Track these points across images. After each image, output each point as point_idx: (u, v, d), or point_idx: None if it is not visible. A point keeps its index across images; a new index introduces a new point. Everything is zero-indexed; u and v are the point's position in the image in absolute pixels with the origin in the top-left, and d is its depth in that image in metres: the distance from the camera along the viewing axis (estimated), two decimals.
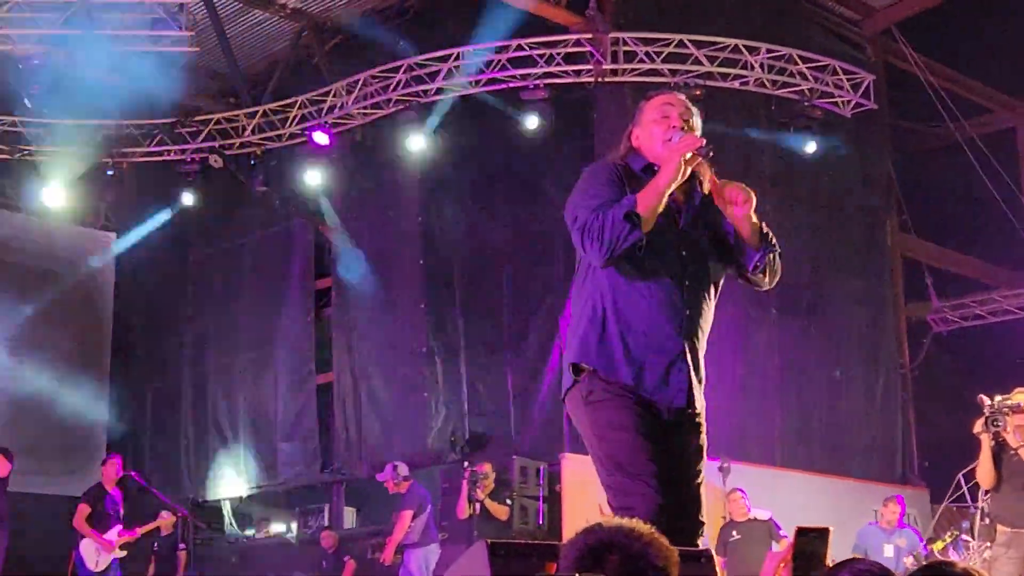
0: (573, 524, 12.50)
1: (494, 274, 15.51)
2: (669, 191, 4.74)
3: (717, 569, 4.28)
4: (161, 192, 18.03)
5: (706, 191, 4.96)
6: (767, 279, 4.97)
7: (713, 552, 4.50)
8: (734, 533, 13.10)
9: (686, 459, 4.91)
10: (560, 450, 13.68)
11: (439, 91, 15.23)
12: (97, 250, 19.56)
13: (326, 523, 16.68)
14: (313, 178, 16.38)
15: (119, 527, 13.77)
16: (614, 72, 14.59)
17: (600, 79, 14.66)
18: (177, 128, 16.78)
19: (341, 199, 17.33)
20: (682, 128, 4.94)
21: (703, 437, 5.00)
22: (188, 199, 17.08)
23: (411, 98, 15.34)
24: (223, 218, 18.78)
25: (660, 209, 4.71)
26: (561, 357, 14.06)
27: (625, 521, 2.76)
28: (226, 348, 18.62)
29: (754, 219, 4.82)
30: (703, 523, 4.92)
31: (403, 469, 13.69)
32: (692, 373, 4.89)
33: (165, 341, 19.58)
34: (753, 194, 4.78)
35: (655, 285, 4.83)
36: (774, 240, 4.84)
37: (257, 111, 16.45)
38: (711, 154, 4.81)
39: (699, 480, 4.95)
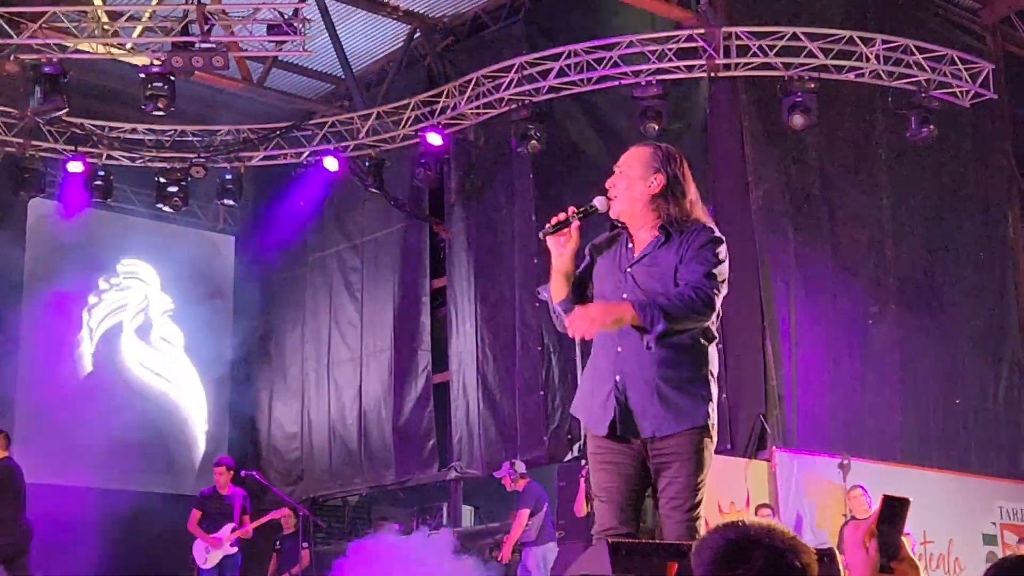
0: None
1: None
2: (556, 275, 5.14)
3: (841, 568, 4.25)
4: (278, 195, 18.28)
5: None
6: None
7: (836, 550, 4.47)
8: None
9: (627, 482, 5.06)
10: None
11: (551, 89, 15.23)
12: (217, 253, 19.92)
13: (444, 521, 16.79)
14: (427, 179, 16.49)
15: (230, 525, 14.03)
16: (727, 67, 14.49)
17: (713, 74, 14.57)
18: (293, 132, 16.99)
19: (455, 199, 17.44)
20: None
21: (651, 462, 5.08)
22: (303, 201, 17.30)
23: (523, 97, 15.36)
24: (339, 219, 19.00)
25: (559, 286, 5.13)
26: None
27: (765, 520, 2.75)
28: (343, 349, 18.80)
29: (613, 317, 4.94)
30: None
31: (520, 466, 13.74)
32: (627, 404, 5.03)
33: (284, 341, 19.83)
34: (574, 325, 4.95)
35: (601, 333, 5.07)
36: (657, 320, 4.87)
37: (371, 113, 16.60)
38: (585, 213, 5.17)
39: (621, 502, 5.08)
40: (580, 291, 5.21)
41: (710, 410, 5.08)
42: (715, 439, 5.15)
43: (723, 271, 5.02)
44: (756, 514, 13.00)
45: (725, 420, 14.26)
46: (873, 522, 2.77)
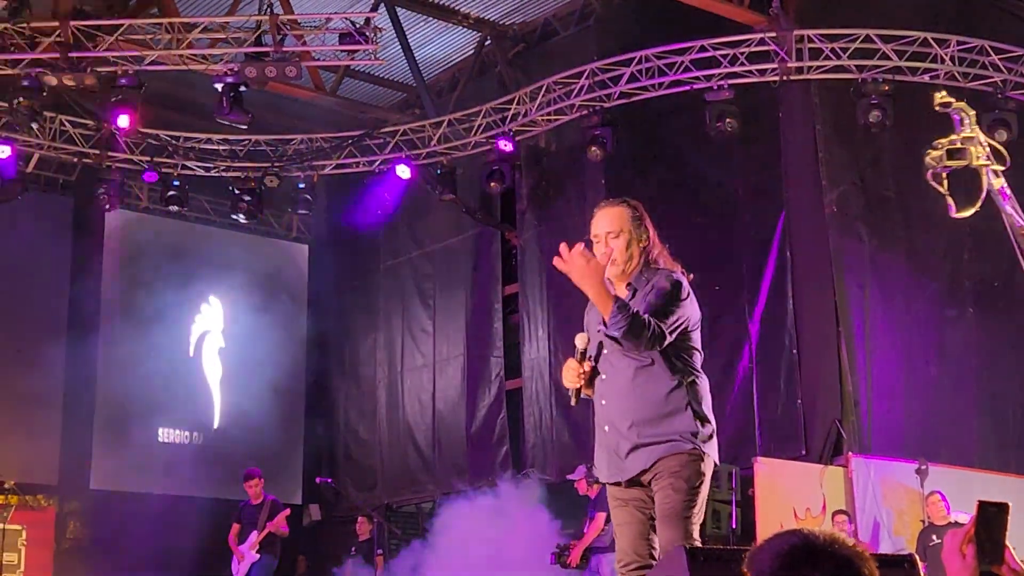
0: (767, 528, 12.38)
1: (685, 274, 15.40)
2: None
3: (921, 574, 4.22)
4: (351, 203, 18.40)
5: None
6: (624, 346, 5.31)
7: (916, 557, 4.44)
8: (934, 537, 12.77)
9: (638, 517, 5.41)
10: (753, 453, 13.57)
11: (622, 95, 15.22)
12: (291, 261, 20.08)
13: (519, 524, 16.78)
14: (498, 186, 16.53)
15: (255, 533, 14.17)
16: (799, 70, 14.41)
17: (785, 77, 14.49)
18: (365, 140, 17.10)
19: (526, 205, 17.46)
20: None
21: (637, 505, 5.44)
22: (376, 209, 17.41)
23: (594, 103, 15.36)
24: (411, 227, 19.08)
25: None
26: (751, 360, 13.78)
27: (827, 529, 2.73)
28: (417, 356, 18.87)
29: (599, 289, 5.25)
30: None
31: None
32: (609, 452, 5.46)
33: (358, 348, 19.94)
34: (568, 257, 5.24)
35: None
36: (619, 320, 5.16)
37: (442, 121, 16.66)
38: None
39: (632, 537, 5.43)
40: None
41: (694, 438, 5.32)
42: (707, 459, 5.36)
43: (673, 311, 5.32)
44: (832, 520, 12.90)
45: (799, 426, 14.18)
46: (970, 528, 2.74)
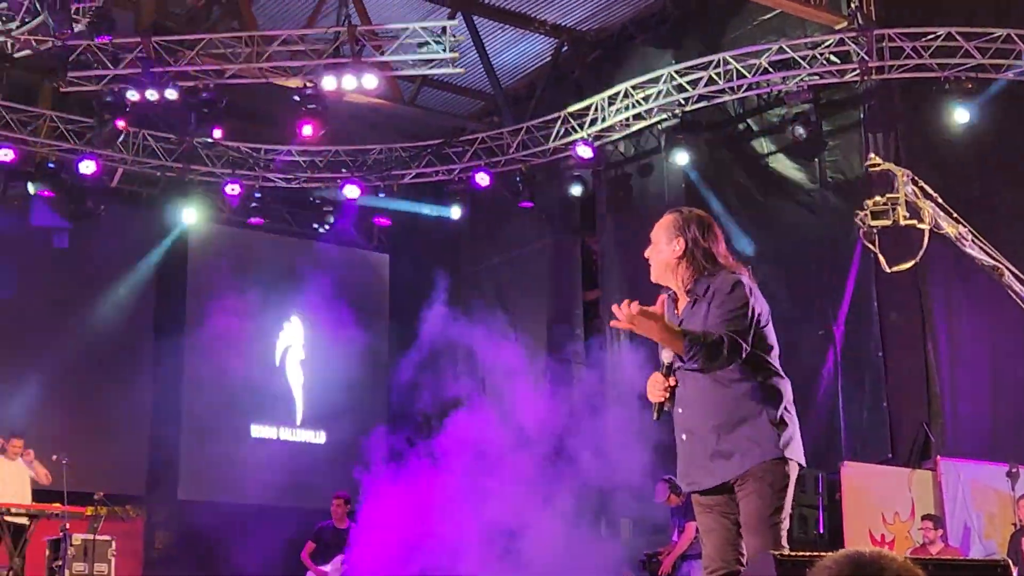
0: (854, 533, 12.26)
1: (762, 276, 15.30)
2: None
3: None
4: (430, 212, 18.46)
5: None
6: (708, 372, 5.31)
7: (1010, 562, 4.37)
8: None
9: (723, 523, 5.39)
10: (839, 457, 13.43)
11: (701, 98, 15.15)
12: (372, 271, 20.18)
13: (603, 534, 16.73)
14: (578, 191, 16.51)
15: (340, 556, 14.22)
16: (880, 69, 14.26)
17: (866, 77, 14.35)
18: (444, 149, 17.15)
19: (605, 211, 17.41)
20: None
21: (722, 511, 5.41)
22: (456, 217, 17.46)
23: (672, 107, 15.31)
24: (490, 234, 19.09)
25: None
26: (835, 363, 13.66)
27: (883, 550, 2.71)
28: (497, 363, 18.85)
29: (664, 335, 5.21)
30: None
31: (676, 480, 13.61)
32: (691, 461, 5.44)
33: (440, 356, 19.97)
34: (625, 313, 5.15)
35: None
36: (694, 353, 5.17)
37: (520, 128, 16.68)
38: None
39: (719, 543, 5.40)
40: None
41: (776, 442, 5.27)
42: (791, 463, 5.31)
43: (743, 314, 5.27)
44: (921, 525, 12.73)
45: (886, 429, 14.02)
46: None
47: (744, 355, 5.18)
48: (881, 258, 11.75)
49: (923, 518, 12.85)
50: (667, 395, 5.37)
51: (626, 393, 16.77)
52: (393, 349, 19.79)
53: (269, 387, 18.87)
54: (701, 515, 5.45)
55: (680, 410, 5.43)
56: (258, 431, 18.60)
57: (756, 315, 5.28)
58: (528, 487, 18.33)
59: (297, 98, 14.66)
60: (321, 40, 14.65)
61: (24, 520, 13.31)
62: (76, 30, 13.07)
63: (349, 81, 14.31)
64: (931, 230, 11.68)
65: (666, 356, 5.36)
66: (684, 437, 5.44)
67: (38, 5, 12.85)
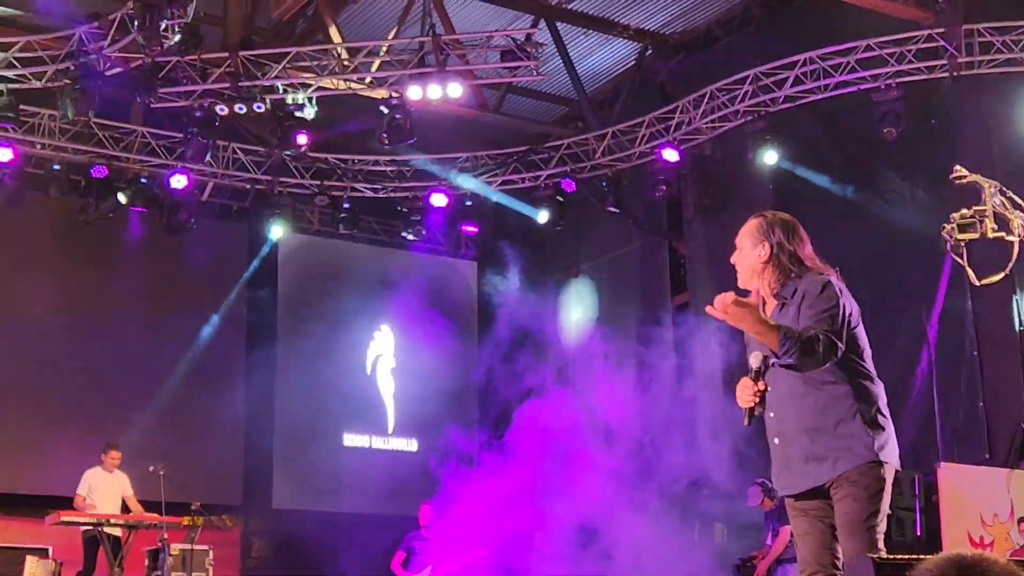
0: (952, 535, 12.08)
1: (855, 277, 15.15)
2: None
3: None
4: (517, 218, 18.47)
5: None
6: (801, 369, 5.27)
7: None
8: None
9: (818, 526, 5.36)
10: (935, 459, 13.26)
11: (788, 99, 15.03)
12: (460, 278, 20.25)
13: (696, 539, 16.65)
14: (664, 195, 16.44)
15: (430, 566, 14.27)
16: (970, 65, 14.05)
17: (956, 74, 14.15)
18: (529, 155, 17.17)
19: (693, 214, 17.34)
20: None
21: (817, 514, 5.39)
22: (543, 223, 17.47)
23: (759, 108, 15.21)
24: (577, 239, 19.08)
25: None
26: (930, 363, 13.44)
27: (978, 551, 2.68)
28: (588, 368, 18.84)
29: (758, 327, 5.17)
30: None
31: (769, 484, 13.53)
32: (784, 464, 5.42)
33: (528, 363, 19.98)
34: (719, 305, 5.14)
35: None
36: (788, 347, 5.12)
37: (605, 133, 16.66)
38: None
39: (815, 547, 5.37)
40: None
41: (870, 445, 5.21)
42: (886, 466, 5.26)
43: (835, 315, 5.24)
44: (1021, 526, 12.53)
45: (982, 430, 13.81)
46: None
47: (839, 355, 5.13)
48: (969, 271, 11.56)
49: (1019, 520, 12.64)
50: (757, 400, 5.32)
51: (717, 396, 16.70)
52: (482, 355, 19.84)
53: (361, 396, 19.01)
54: (796, 519, 5.42)
55: (772, 414, 5.41)
56: (351, 439, 18.75)
57: (847, 315, 5.24)
58: (619, 490, 18.32)
59: (384, 108, 14.75)
60: (406, 50, 14.74)
61: (122, 531, 13.53)
62: (166, 47, 13.26)
63: (434, 90, 14.38)
64: (1021, 241, 11.43)
65: (754, 361, 5.33)
66: (776, 441, 5.42)
67: (128, 23, 13.07)
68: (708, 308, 5.22)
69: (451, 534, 14.98)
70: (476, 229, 18.13)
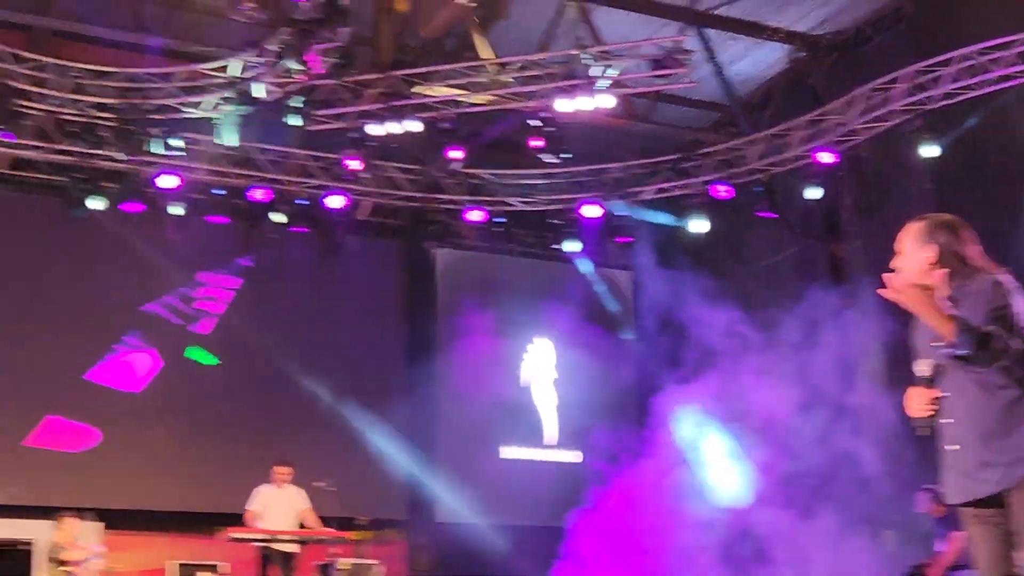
0: None
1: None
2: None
3: None
4: (671, 227, 18.38)
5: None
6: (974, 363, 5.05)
7: None
8: None
9: (994, 535, 5.22)
10: None
11: (946, 96, 14.74)
12: (616, 289, 20.22)
13: (866, 542, 16.39)
14: (820, 198, 16.25)
15: None
16: None
17: None
18: (682, 163, 17.09)
19: (850, 216, 17.09)
20: None
21: (994, 522, 5.21)
22: (698, 230, 17.37)
23: (915, 107, 14.94)
24: (733, 245, 18.90)
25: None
26: None
27: None
28: (752, 377, 18.65)
29: (934, 312, 5.01)
30: None
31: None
32: (960, 471, 5.21)
33: (688, 372, 19.86)
34: (893, 284, 5.04)
35: None
36: (965, 338, 4.94)
37: (758, 137, 16.51)
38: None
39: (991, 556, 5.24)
40: None
41: None
42: None
43: (1006, 315, 5.07)
44: None
45: None
46: None
47: (1013, 354, 4.99)
48: None
49: None
50: (933, 408, 5.23)
51: (875, 396, 16.42)
52: (640, 364, 19.78)
53: (521, 408, 19.08)
54: (971, 526, 5.28)
55: (946, 421, 5.28)
56: (511, 452, 18.82)
57: (1018, 316, 5.10)
58: (786, 501, 18.12)
59: (539, 123, 14.82)
60: (555, 63, 14.78)
61: (294, 548, 13.74)
62: (320, 70, 13.51)
63: (585, 102, 14.40)
64: None
65: (925, 368, 5.21)
66: (957, 447, 5.25)
67: (283, 49, 13.34)
68: (880, 291, 5.11)
69: (612, 543, 14.95)
70: (630, 238, 18.07)
